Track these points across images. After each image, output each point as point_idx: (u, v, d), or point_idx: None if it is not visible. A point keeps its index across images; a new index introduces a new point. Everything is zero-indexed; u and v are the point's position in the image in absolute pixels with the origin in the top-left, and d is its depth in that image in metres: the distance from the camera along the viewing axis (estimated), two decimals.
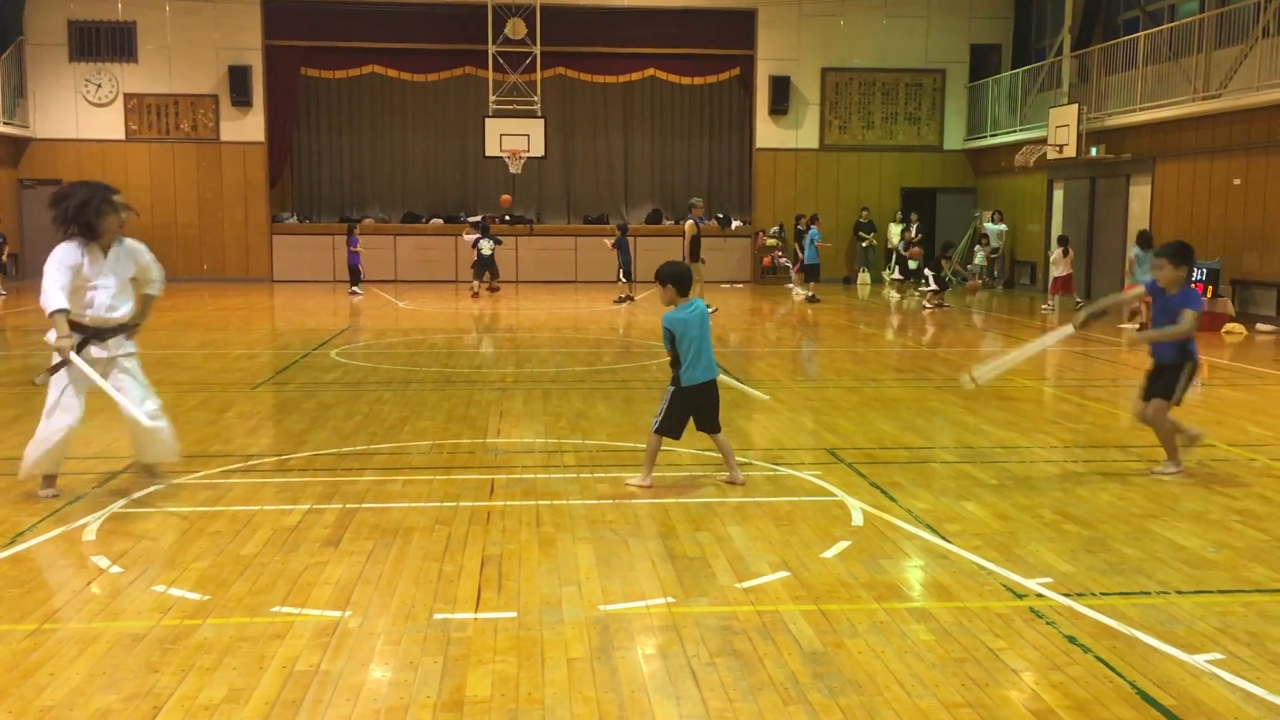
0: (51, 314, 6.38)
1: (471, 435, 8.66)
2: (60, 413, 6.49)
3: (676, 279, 6.93)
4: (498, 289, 23.75)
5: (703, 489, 6.95)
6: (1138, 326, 17.56)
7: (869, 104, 28.17)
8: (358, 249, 23.64)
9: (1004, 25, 28.06)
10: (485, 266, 23.15)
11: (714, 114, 29.21)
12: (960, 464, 7.67)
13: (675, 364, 6.90)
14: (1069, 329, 7.52)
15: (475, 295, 23.15)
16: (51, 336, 6.52)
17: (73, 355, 6.43)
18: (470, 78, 27.57)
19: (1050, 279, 20.86)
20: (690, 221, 19.34)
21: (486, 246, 23.18)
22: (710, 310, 7.53)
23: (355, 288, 23.67)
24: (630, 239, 21.80)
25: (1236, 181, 18.46)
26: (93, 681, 4.05)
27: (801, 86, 27.90)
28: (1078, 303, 20.31)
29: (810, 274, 22.53)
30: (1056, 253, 20.58)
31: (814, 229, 22.62)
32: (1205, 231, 19.20)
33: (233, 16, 26.55)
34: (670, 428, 6.91)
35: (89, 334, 6.57)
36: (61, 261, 6.42)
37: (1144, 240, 17.64)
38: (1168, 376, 7.30)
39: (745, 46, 27.84)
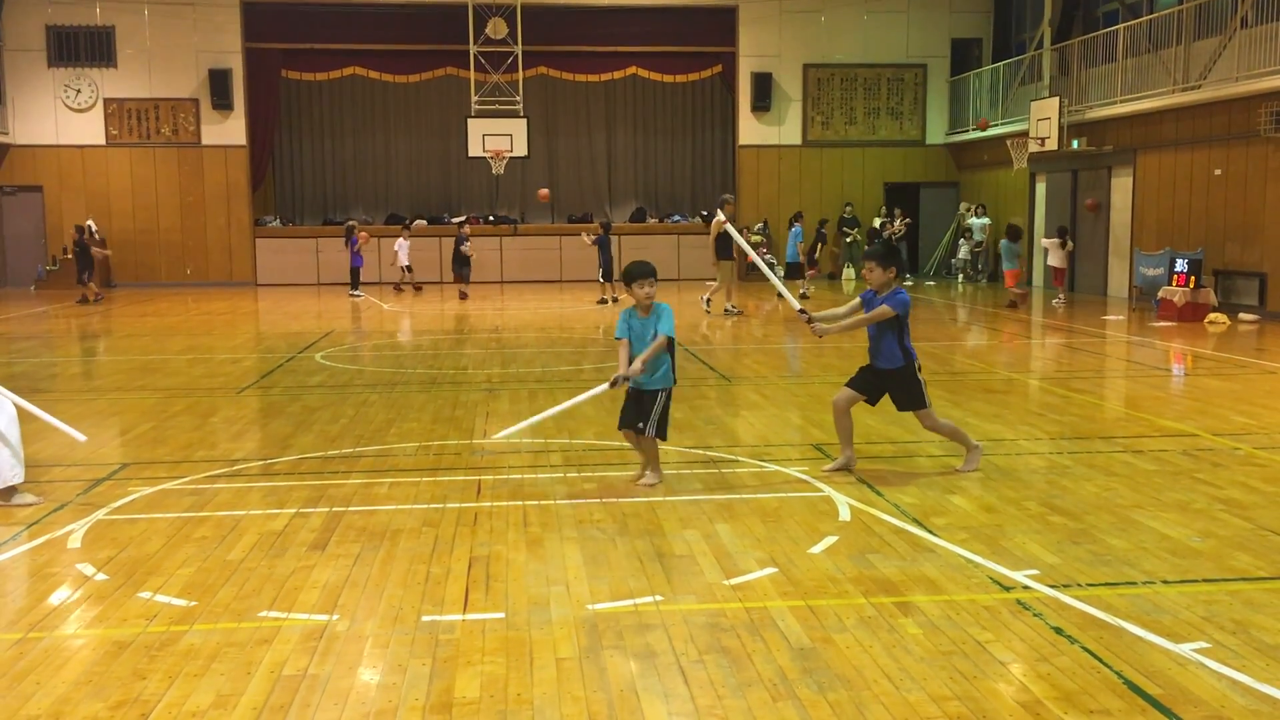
0: None
1: (458, 436, 8.65)
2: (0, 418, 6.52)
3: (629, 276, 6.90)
4: (420, 289, 23.96)
5: (689, 486, 6.95)
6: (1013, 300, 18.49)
7: (851, 99, 28.22)
8: (359, 249, 23.66)
9: (984, 19, 28.15)
10: (463, 264, 23.21)
11: (697, 111, 29.24)
12: (946, 458, 7.68)
13: (671, 359, 6.85)
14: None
15: (464, 296, 23.15)
16: None
17: None
18: (452, 78, 27.53)
19: (1053, 271, 20.94)
20: (719, 218, 19.04)
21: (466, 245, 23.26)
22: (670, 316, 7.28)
23: (355, 290, 23.59)
24: (613, 238, 21.66)
25: (1217, 172, 18.55)
26: (79, 690, 4.03)
27: (783, 83, 27.93)
28: (1058, 299, 20.40)
29: (791, 272, 22.55)
30: (1054, 243, 20.62)
31: (796, 227, 22.63)
32: (1187, 222, 19.30)
33: (212, 19, 26.44)
34: (666, 428, 6.92)
35: None
36: None
37: (1012, 233, 20.14)
38: (903, 385, 7.08)
39: (727, 43, 27.86)
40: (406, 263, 24.51)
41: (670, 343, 6.77)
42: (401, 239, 24.66)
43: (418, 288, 24.48)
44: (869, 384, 7.23)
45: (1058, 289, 20.70)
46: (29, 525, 6.18)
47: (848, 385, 7.31)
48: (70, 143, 26.47)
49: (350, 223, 25.10)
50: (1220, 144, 18.41)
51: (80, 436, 7.02)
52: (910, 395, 7.14)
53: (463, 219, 26.85)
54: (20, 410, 6.69)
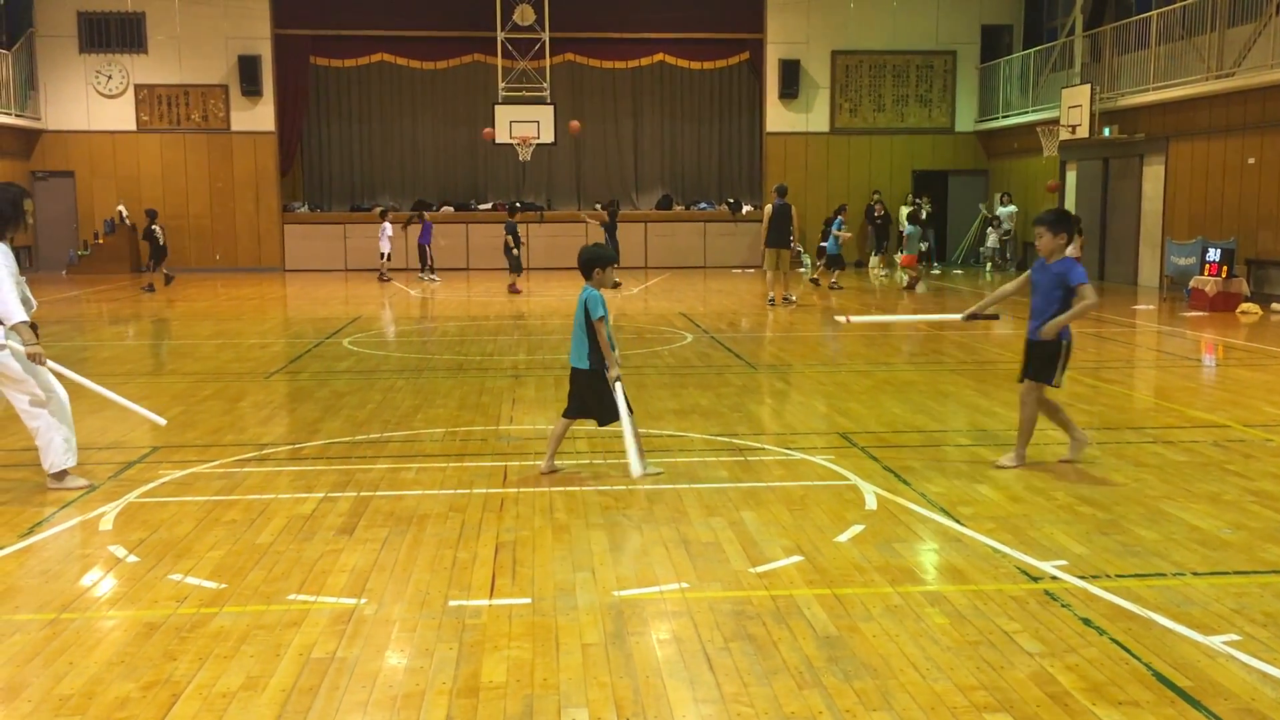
0: (15, 325, 6.30)
1: (484, 422, 8.68)
2: (53, 400, 6.55)
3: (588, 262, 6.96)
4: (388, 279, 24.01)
5: (715, 474, 6.95)
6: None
7: (880, 86, 28.05)
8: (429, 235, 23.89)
9: (1015, 5, 27.90)
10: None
11: (724, 98, 29.12)
12: (973, 447, 7.65)
13: (595, 345, 6.80)
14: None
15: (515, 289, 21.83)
16: (16, 345, 6.36)
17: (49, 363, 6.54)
18: (479, 65, 27.55)
19: None
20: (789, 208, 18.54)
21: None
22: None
23: (423, 273, 23.83)
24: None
25: (1251, 160, 18.33)
26: (111, 670, 4.08)
27: (811, 70, 27.79)
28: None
29: (832, 263, 22.21)
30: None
31: (839, 219, 22.33)
32: (1219, 211, 19.10)
33: (241, 6, 26.56)
34: (613, 406, 6.80)
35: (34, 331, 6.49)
36: (8, 268, 6.33)
37: (914, 217, 23.39)
38: (1044, 357, 6.94)
39: (754, 30, 27.74)
40: (388, 250, 24.38)
41: (592, 326, 6.81)
42: (386, 224, 24.50)
43: (385, 278, 24.26)
44: (1025, 361, 7.08)
45: None
46: (62, 507, 6.25)
47: (1020, 380, 7.11)
48: (101, 129, 26.67)
49: (375, 208, 24.97)
50: (1254, 132, 18.19)
51: (160, 420, 7.02)
52: (1045, 365, 6.92)
53: (512, 204, 26.13)
54: (94, 395, 6.78)
